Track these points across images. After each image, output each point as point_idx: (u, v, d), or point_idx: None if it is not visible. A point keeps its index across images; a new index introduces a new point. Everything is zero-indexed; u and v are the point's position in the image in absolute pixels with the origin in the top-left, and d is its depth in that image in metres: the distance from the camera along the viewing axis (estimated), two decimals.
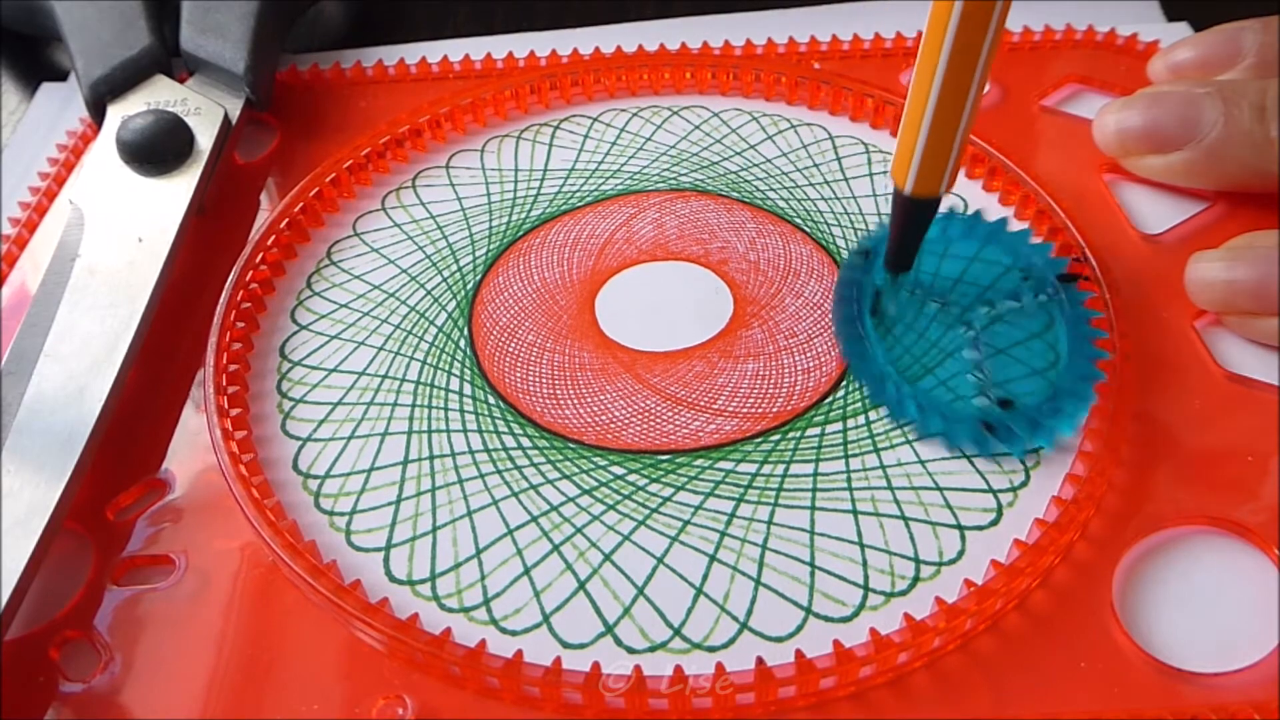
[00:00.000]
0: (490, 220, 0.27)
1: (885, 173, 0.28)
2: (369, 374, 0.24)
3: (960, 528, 0.21)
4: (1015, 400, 0.22)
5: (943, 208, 0.22)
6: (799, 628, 0.19)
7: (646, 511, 0.21)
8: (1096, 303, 0.23)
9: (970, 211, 0.25)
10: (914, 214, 0.22)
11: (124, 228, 0.25)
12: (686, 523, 0.21)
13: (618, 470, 0.22)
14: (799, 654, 0.18)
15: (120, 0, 0.29)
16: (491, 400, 0.23)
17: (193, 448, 0.23)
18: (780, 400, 0.23)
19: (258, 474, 0.22)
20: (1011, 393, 0.22)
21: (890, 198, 0.23)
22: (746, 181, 0.28)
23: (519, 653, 0.19)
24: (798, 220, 0.27)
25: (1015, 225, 0.25)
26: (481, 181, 0.28)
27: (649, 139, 0.29)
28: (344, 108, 0.30)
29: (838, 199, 0.27)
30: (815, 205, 0.27)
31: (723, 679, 0.18)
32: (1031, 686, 0.18)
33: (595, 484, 0.22)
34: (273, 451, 0.23)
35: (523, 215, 0.27)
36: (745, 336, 0.24)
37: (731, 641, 0.19)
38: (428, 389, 0.24)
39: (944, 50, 0.19)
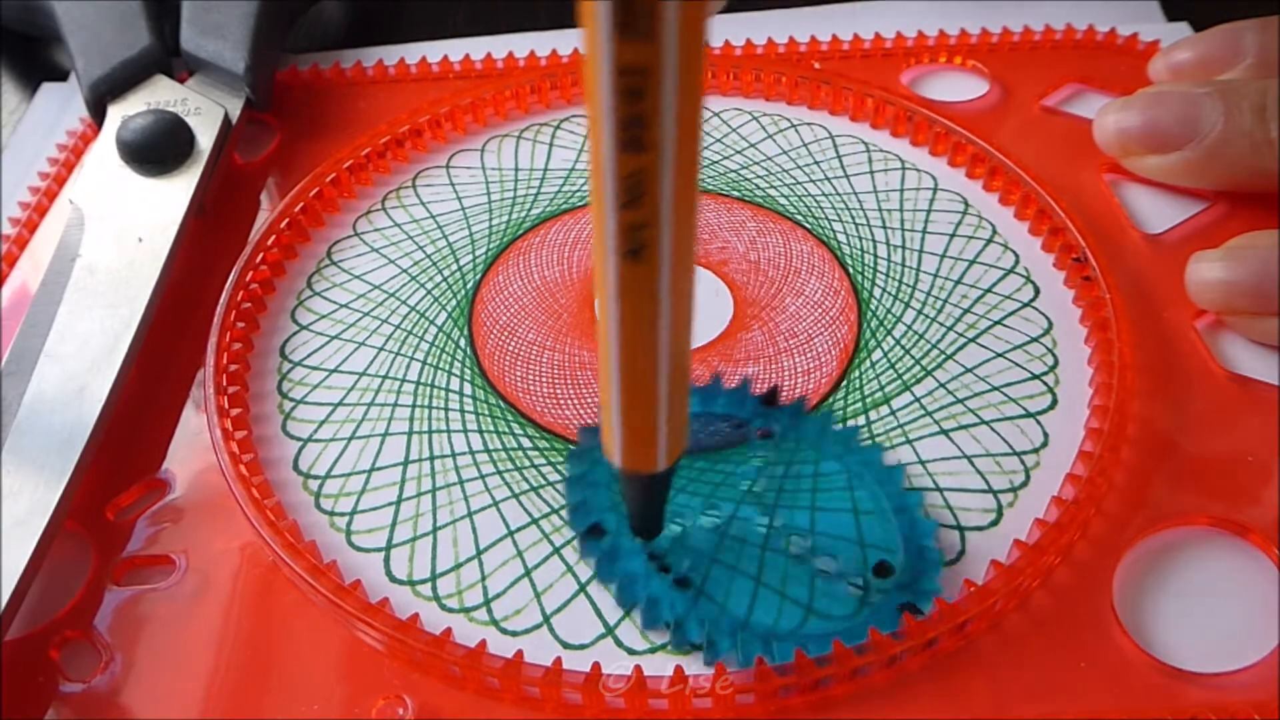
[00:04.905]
0: (490, 219, 0.27)
1: (886, 170, 0.28)
2: (369, 374, 0.24)
3: (960, 528, 0.21)
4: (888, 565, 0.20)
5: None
6: (799, 627, 0.19)
7: None
8: (1097, 303, 0.23)
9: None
10: (639, 487, 0.19)
11: (124, 228, 0.25)
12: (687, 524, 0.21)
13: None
14: (799, 654, 0.18)
15: (120, 0, 0.29)
16: (492, 400, 0.23)
17: (193, 448, 0.23)
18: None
19: (258, 474, 0.22)
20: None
21: None
22: (747, 179, 0.28)
23: (519, 653, 0.19)
24: (799, 216, 0.27)
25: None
26: (481, 181, 0.28)
27: None
28: (344, 108, 0.30)
29: (839, 194, 0.27)
30: (816, 201, 0.27)
31: (723, 679, 0.18)
32: (1031, 686, 0.18)
33: None
34: (273, 452, 0.23)
35: (523, 214, 0.27)
36: (745, 339, 0.24)
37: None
38: (428, 389, 0.24)
39: (611, 321, 0.15)
